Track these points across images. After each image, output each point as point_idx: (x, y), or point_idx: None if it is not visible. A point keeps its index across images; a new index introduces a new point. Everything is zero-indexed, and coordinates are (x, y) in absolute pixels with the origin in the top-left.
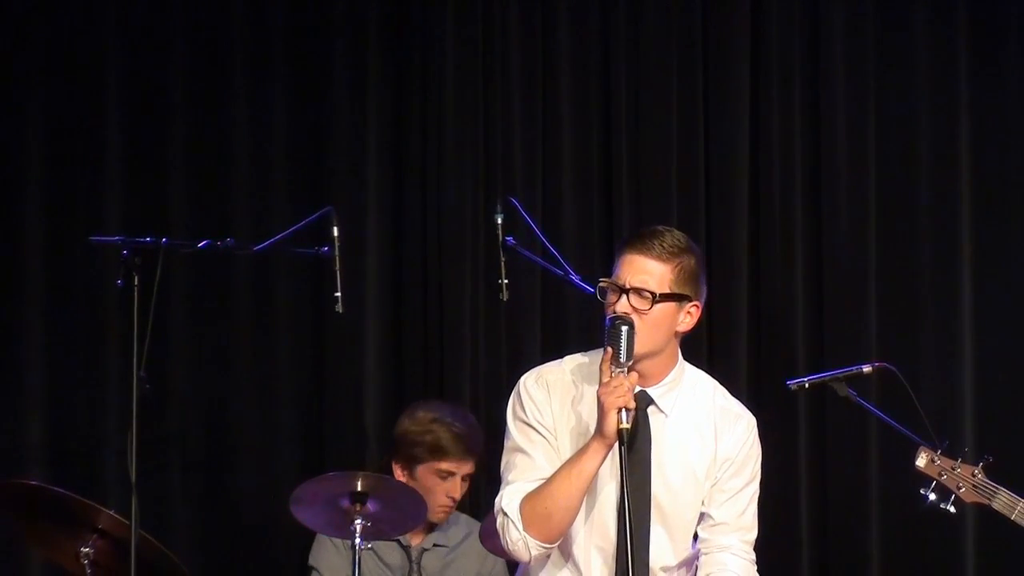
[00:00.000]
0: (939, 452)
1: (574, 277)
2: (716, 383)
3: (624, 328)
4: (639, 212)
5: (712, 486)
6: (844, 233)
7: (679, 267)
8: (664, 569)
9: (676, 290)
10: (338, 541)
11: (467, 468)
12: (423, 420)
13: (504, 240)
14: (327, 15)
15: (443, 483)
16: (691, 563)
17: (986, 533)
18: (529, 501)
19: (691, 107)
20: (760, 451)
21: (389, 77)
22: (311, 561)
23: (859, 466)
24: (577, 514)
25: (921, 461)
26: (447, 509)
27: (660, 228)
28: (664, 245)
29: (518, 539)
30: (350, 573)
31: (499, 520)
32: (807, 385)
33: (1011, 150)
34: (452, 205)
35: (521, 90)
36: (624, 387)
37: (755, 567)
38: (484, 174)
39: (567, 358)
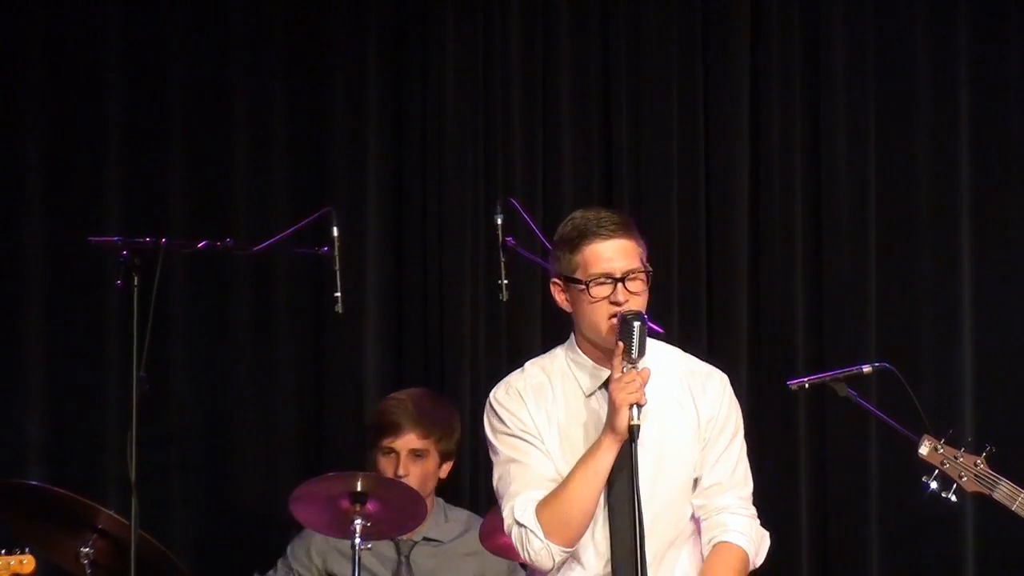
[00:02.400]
0: (942, 441)
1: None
2: (678, 349)
3: (636, 324)
4: (639, 212)
5: (701, 449)
6: (844, 233)
7: (638, 236)
8: (673, 545)
9: (647, 261)
10: (317, 535)
11: (410, 443)
12: (378, 402)
13: (504, 240)
14: (327, 15)
15: (388, 461)
16: (695, 531)
17: (986, 533)
18: (547, 508)
19: (691, 107)
20: (738, 405)
21: (389, 77)
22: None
23: (859, 466)
24: (594, 513)
25: (924, 449)
26: None
27: (592, 210)
28: (622, 222)
29: (541, 548)
30: (320, 564)
31: (516, 533)
32: (807, 385)
33: (1011, 150)
34: (452, 205)
35: (521, 90)
36: (637, 383)
37: (756, 520)
38: (484, 174)
39: (527, 364)
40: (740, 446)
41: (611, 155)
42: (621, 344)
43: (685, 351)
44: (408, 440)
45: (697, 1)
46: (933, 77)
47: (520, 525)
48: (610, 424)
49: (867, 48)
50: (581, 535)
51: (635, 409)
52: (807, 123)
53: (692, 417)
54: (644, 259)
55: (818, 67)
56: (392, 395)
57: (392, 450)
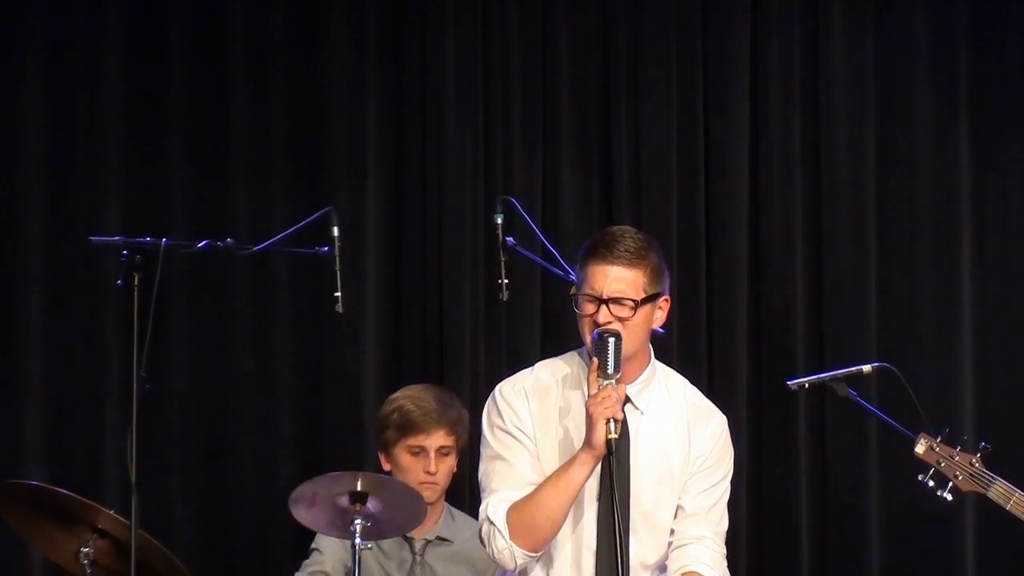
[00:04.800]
0: (939, 440)
1: (574, 277)
2: (686, 381)
3: (611, 340)
4: (639, 212)
5: (687, 480)
6: (844, 233)
7: (648, 268)
8: (644, 566)
9: (650, 291)
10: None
11: (438, 440)
12: (391, 401)
13: (504, 240)
14: (326, 15)
15: (417, 460)
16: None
17: (987, 533)
18: (516, 511)
19: (691, 107)
20: (732, 450)
21: (389, 77)
22: (314, 544)
23: (859, 466)
24: (563, 524)
25: (920, 448)
26: (430, 487)
27: (617, 231)
28: (630, 250)
29: (504, 548)
30: (348, 561)
31: (484, 528)
32: (807, 385)
33: (1011, 150)
34: (452, 205)
35: (521, 90)
36: (612, 399)
37: (726, 561)
38: (484, 174)
39: (538, 365)
40: (724, 489)
41: (611, 155)
42: (596, 360)
43: (685, 352)
44: (437, 438)
45: (697, 1)
46: (933, 76)
47: (490, 522)
48: (587, 439)
49: (867, 48)
50: (547, 542)
51: (612, 424)
52: (807, 123)
53: (684, 446)
54: (647, 289)
55: (817, 65)
56: (405, 393)
57: (422, 449)
